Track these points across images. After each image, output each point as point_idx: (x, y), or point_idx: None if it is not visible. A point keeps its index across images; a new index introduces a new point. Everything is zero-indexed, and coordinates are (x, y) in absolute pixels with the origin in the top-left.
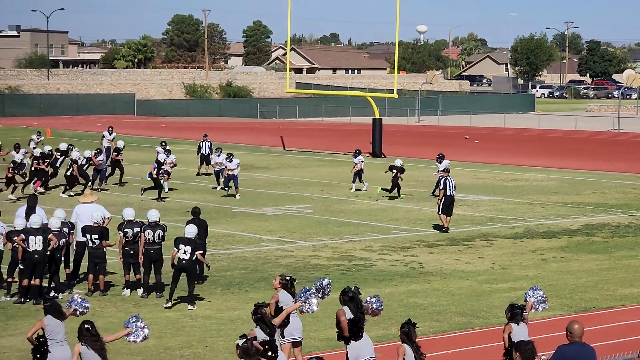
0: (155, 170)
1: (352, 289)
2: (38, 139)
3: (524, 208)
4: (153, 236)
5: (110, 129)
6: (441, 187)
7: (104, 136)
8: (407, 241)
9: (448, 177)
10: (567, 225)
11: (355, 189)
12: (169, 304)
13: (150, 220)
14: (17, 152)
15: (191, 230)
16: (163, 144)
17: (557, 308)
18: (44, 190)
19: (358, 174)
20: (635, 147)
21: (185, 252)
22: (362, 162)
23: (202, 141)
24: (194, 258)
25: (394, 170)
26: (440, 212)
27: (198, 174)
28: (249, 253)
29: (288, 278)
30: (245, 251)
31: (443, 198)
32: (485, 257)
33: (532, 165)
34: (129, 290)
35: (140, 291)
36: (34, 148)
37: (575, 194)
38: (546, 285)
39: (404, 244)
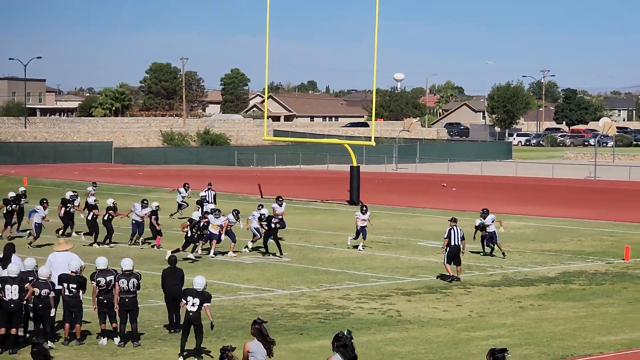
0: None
1: (345, 333)
2: (94, 190)
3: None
4: (127, 285)
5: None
6: (445, 236)
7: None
8: (385, 289)
9: (454, 227)
10: (544, 272)
11: (353, 246)
12: (181, 359)
13: (124, 269)
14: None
15: (199, 282)
16: (186, 185)
17: (535, 356)
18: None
19: (362, 231)
20: (612, 195)
21: (193, 305)
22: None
23: (207, 190)
24: (201, 310)
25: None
26: (445, 262)
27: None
28: (227, 302)
29: (259, 321)
30: (223, 300)
31: (447, 247)
32: (463, 305)
33: (509, 212)
34: (105, 339)
35: (117, 340)
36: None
37: (552, 242)
38: (524, 333)
39: (381, 292)
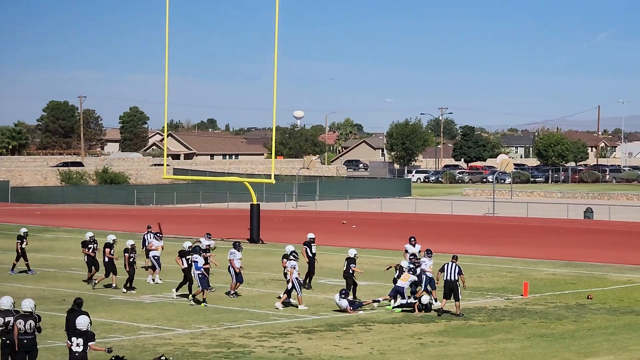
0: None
1: None
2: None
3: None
4: (24, 326)
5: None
6: (439, 270)
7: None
8: (286, 327)
9: (450, 262)
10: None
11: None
12: None
13: (22, 310)
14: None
15: (82, 322)
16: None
17: None
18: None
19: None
20: (510, 231)
21: (78, 345)
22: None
23: (146, 233)
24: (87, 350)
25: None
26: (443, 297)
27: (146, 268)
28: (127, 342)
29: (162, 358)
30: (123, 340)
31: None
32: (363, 342)
33: None
34: None
35: None
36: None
37: None
38: None
39: (282, 330)
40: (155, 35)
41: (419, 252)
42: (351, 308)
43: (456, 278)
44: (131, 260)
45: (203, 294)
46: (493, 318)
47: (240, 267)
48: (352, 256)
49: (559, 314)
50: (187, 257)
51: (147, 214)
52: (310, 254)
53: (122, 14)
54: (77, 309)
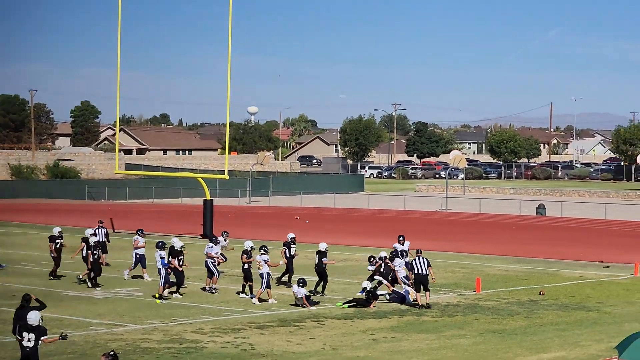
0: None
1: None
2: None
3: (355, 288)
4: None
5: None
6: (409, 269)
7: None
8: (238, 323)
9: (418, 257)
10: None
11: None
12: None
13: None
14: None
15: (33, 317)
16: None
17: None
18: None
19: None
20: (463, 227)
21: (29, 340)
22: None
23: (97, 228)
24: (38, 345)
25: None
26: (415, 291)
27: (106, 264)
28: (78, 337)
29: (112, 353)
30: (74, 335)
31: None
32: (316, 337)
33: (362, 245)
34: None
35: None
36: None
37: None
38: None
39: (235, 326)
40: (107, 28)
41: (408, 249)
42: (306, 302)
43: (426, 272)
44: (96, 256)
45: (162, 290)
46: (446, 314)
47: (218, 260)
48: (323, 250)
49: (511, 310)
50: (180, 257)
51: (99, 209)
52: (289, 255)
53: (74, 7)
54: (26, 304)
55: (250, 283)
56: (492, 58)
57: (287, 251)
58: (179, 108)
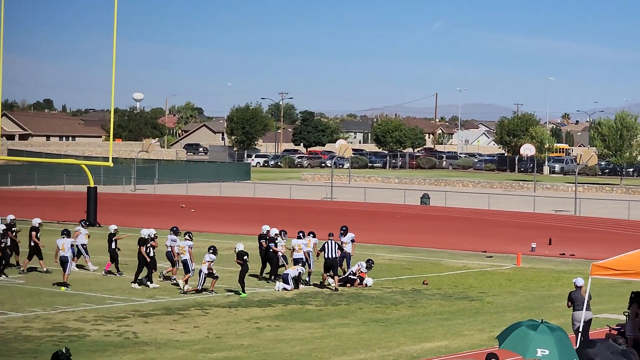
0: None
1: (64, 350)
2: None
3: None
4: None
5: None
6: (319, 249)
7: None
8: (122, 311)
9: (330, 241)
10: (281, 293)
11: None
12: None
13: None
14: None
15: None
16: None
17: None
18: None
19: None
20: (347, 216)
21: None
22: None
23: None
24: None
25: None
26: (324, 272)
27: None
28: None
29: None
30: None
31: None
32: (200, 326)
33: (247, 233)
34: None
35: None
36: None
37: None
38: (261, 354)
39: (118, 314)
40: None
41: (352, 241)
42: (291, 286)
43: (336, 256)
44: (2, 245)
45: (65, 278)
46: (329, 303)
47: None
48: (272, 236)
49: (394, 299)
50: (147, 245)
51: None
52: (272, 250)
53: None
54: None
55: (154, 270)
56: (379, 48)
57: (273, 245)
58: (63, 94)
